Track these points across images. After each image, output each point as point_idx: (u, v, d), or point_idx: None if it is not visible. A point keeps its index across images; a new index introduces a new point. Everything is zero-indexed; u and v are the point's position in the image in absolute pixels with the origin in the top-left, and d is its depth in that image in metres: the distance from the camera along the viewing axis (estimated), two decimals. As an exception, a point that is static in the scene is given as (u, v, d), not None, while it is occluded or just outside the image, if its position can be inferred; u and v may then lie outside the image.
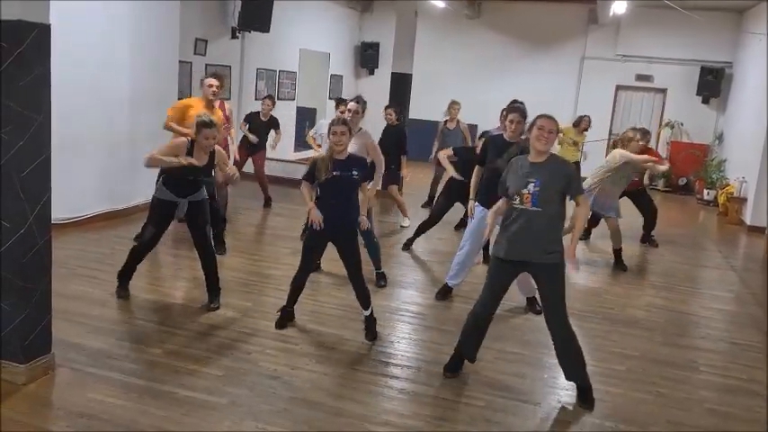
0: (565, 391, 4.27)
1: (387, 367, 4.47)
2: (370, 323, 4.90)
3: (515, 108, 5.63)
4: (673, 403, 4.25)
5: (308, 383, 4.12)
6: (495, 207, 4.28)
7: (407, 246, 7.55)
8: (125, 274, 5.41)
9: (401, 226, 8.59)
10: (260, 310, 5.28)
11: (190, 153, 4.96)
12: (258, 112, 9.10)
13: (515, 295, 5.88)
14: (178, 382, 4.00)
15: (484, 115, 10.23)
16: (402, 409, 3.92)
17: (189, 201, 5.18)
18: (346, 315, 5.26)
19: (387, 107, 8.85)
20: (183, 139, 5.12)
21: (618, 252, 7.53)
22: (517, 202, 3.96)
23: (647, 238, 8.73)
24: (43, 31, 3.66)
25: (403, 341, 4.97)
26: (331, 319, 5.24)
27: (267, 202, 9.45)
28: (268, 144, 9.26)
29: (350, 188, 4.79)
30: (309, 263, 5.02)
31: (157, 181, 5.35)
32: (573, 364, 4.13)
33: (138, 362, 4.25)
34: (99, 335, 4.61)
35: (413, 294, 6.10)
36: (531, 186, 3.91)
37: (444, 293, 5.94)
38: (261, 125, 9.04)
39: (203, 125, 4.93)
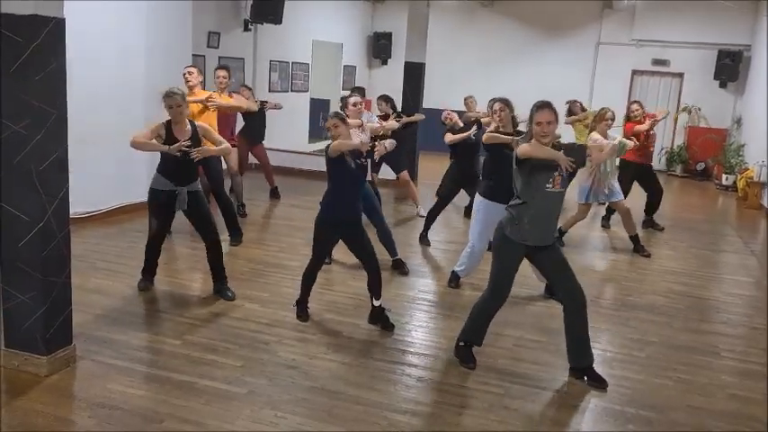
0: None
1: (405, 356, 4.48)
2: (382, 316, 4.87)
3: (497, 98, 5.75)
4: (693, 388, 4.22)
5: (326, 372, 4.13)
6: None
7: (423, 238, 7.42)
8: (147, 270, 5.45)
9: (419, 215, 8.55)
10: (277, 300, 5.30)
11: (169, 131, 5.02)
12: None
13: (533, 282, 5.86)
14: (197, 373, 4.03)
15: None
16: (421, 397, 3.92)
17: (188, 191, 5.14)
18: (362, 304, 5.26)
19: (380, 97, 8.69)
20: (159, 123, 5.11)
21: (635, 238, 7.47)
22: (550, 185, 4.00)
23: (650, 223, 8.62)
24: (58, 26, 3.67)
25: (420, 329, 4.97)
26: (347, 308, 5.25)
27: (275, 194, 9.37)
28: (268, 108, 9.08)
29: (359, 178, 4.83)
30: (323, 255, 5.03)
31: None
32: (586, 340, 4.16)
33: (157, 353, 4.29)
34: (119, 327, 4.65)
35: (429, 283, 6.10)
36: (559, 169, 3.98)
37: (456, 281, 5.92)
38: (255, 115, 8.67)
39: (164, 96, 5.02)
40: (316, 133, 14.39)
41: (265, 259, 6.48)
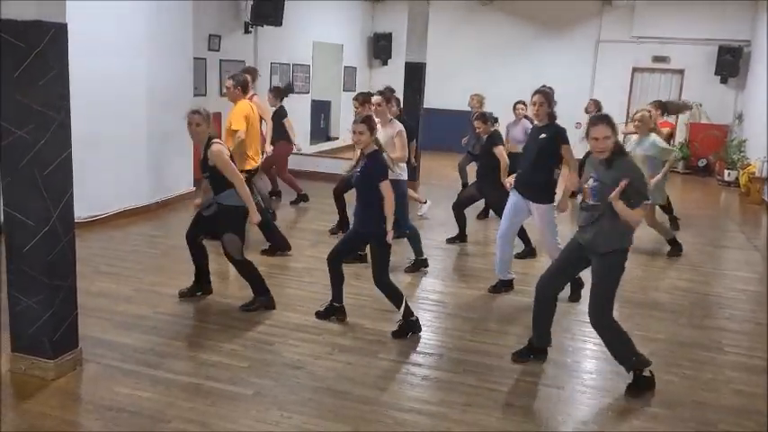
0: (588, 375, 4.26)
1: (410, 355, 4.49)
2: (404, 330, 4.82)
3: (538, 90, 5.53)
4: (699, 384, 4.23)
5: (331, 372, 4.14)
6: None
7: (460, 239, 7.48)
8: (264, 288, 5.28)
9: (419, 215, 8.56)
10: (281, 301, 5.31)
11: None
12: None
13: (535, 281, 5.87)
14: (203, 374, 4.04)
15: (499, 102, 10.19)
16: (426, 396, 3.94)
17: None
18: (367, 305, 5.28)
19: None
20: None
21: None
22: (583, 196, 4.08)
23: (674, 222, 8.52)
24: (60, 31, 3.69)
25: (424, 328, 4.96)
26: (351, 308, 5.24)
27: (301, 197, 9.33)
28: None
29: (368, 185, 4.66)
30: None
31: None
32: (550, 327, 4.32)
33: (163, 355, 4.30)
34: (124, 330, 4.67)
35: (434, 282, 6.10)
36: (590, 181, 3.98)
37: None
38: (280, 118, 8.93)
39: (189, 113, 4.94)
40: (317, 135, 14.40)
41: (270, 261, 6.49)
